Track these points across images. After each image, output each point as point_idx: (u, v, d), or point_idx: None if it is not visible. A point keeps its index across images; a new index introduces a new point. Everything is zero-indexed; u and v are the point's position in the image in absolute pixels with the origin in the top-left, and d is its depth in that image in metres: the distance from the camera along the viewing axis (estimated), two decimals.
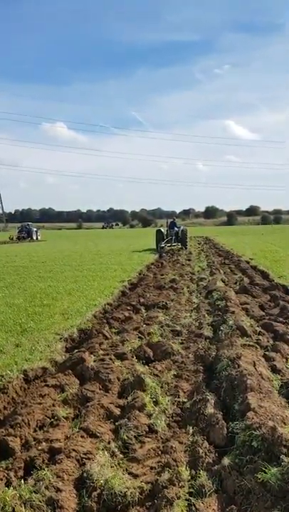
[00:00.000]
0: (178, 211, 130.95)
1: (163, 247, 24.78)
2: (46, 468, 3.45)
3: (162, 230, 27.39)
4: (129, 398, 4.73)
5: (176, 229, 27.11)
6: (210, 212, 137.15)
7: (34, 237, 53.53)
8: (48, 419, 4.29)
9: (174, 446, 3.82)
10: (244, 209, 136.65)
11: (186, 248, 26.61)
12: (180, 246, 26.58)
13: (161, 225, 36.29)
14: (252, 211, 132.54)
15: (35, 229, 56.63)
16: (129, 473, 3.55)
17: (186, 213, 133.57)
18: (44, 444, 3.81)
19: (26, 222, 60.53)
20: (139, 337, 7.23)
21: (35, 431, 4.08)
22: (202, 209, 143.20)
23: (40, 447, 3.75)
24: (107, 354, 6.16)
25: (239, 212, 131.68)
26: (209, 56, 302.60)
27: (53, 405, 4.54)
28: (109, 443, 3.94)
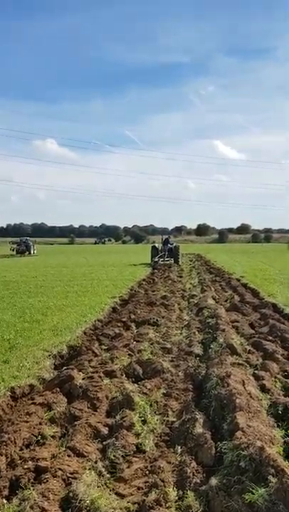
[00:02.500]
0: (170, 228, 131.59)
1: (157, 261, 26.98)
2: (32, 488, 3.40)
3: (157, 246, 29.76)
4: (118, 417, 4.69)
5: (169, 245, 29.50)
6: (202, 230, 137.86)
7: (32, 252, 53.95)
8: (35, 438, 4.23)
9: (161, 466, 3.79)
10: (235, 227, 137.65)
11: (178, 263, 28.27)
12: (172, 261, 28.32)
13: (154, 242, 37.87)
14: (243, 229, 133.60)
15: (32, 244, 57.19)
16: (116, 494, 3.51)
17: (178, 230, 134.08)
18: (30, 462, 3.76)
19: (25, 237, 61.12)
20: (129, 354, 7.20)
21: (21, 449, 4.02)
22: (194, 226, 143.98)
23: (26, 466, 3.70)
24: (96, 372, 6.11)
25: (230, 230, 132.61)
26: (201, 78, 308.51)
27: (40, 424, 4.49)
28: (96, 462, 3.89)
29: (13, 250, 53.51)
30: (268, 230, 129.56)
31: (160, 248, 29.54)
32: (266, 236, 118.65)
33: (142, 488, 3.58)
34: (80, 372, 6.10)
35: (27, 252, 53.22)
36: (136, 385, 5.81)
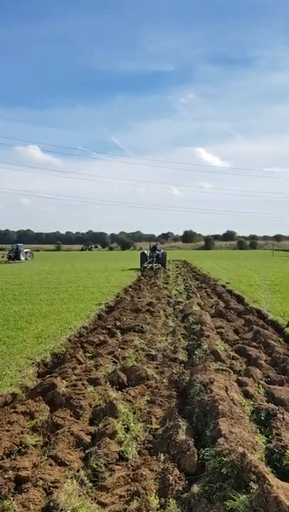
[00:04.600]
0: (157, 234, 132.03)
1: (146, 266, 29.17)
2: (12, 498, 3.35)
3: (146, 253, 31.73)
4: (101, 425, 4.66)
5: (157, 252, 31.62)
6: (188, 236, 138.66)
7: (22, 258, 53.72)
8: (16, 447, 4.18)
9: (144, 473, 3.78)
10: (221, 234, 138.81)
11: (165, 268, 30.52)
12: (160, 266, 30.38)
13: (141, 248, 39.38)
14: (228, 236, 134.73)
15: (25, 250, 57.17)
16: (98, 502, 3.48)
17: (165, 237, 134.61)
18: (11, 472, 3.71)
19: (16, 244, 60.77)
20: (113, 361, 7.17)
21: (1, 459, 3.96)
22: (180, 233, 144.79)
23: (6, 476, 3.65)
24: (80, 379, 6.07)
25: (216, 237, 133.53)
26: (186, 86, 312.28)
27: (22, 433, 4.43)
28: (78, 471, 3.86)
29: (3, 257, 53.75)
30: (253, 237, 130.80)
31: (149, 254, 31.39)
32: (251, 243, 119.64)
33: (124, 497, 3.56)
34: (64, 380, 6.06)
35: (16, 259, 53.28)
36: (120, 392, 5.79)
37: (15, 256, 53.87)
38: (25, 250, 57.24)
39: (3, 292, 16.84)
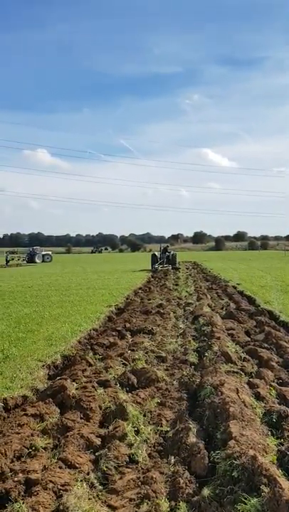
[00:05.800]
0: (167, 236, 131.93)
1: (157, 267, 30.42)
2: (21, 501, 3.35)
3: (156, 254, 32.68)
4: (110, 427, 4.65)
5: (167, 253, 32.97)
6: (198, 238, 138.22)
7: (38, 261, 54.81)
8: (26, 450, 4.18)
9: (154, 476, 3.75)
10: (232, 235, 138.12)
11: (175, 268, 31.71)
12: (170, 267, 31.58)
13: (150, 250, 40.50)
14: (239, 237, 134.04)
15: (44, 253, 58.67)
16: (108, 506, 3.46)
17: (175, 238, 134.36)
18: (20, 475, 3.71)
19: (32, 247, 62.02)
20: (123, 363, 7.16)
21: (12, 461, 3.97)
22: (190, 234, 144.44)
23: (16, 479, 3.65)
24: (90, 381, 6.07)
25: (227, 238, 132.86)
26: (192, 88, 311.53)
27: (32, 435, 4.44)
28: (88, 474, 3.85)
29: (23, 260, 55.15)
30: (264, 238, 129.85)
31: (159, 256, 32.32)
32: (263, 243, 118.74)
33: (134, 500, 3.54)
34: (74, 383, 6.06)
35: (35, 261, 54.52)
36: (130, 394, 5.77)
37: (30, 259, 54.96)
38: (44, 253, 58.52)
39: (15, 295, 16.95)
